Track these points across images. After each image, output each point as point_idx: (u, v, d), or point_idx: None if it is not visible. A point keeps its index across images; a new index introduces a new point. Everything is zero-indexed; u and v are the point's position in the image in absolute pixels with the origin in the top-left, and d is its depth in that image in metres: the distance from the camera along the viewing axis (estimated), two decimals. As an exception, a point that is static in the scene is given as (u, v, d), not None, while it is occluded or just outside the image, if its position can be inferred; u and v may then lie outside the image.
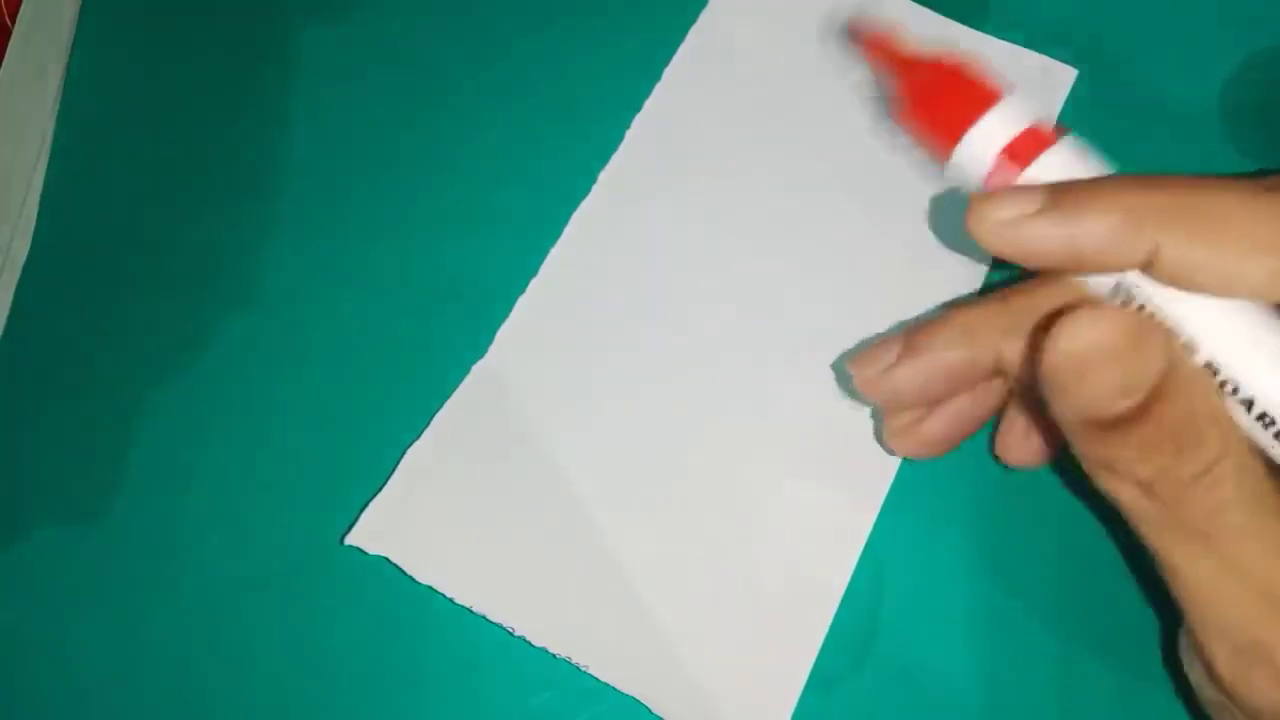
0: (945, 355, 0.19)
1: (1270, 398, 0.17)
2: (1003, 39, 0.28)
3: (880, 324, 0.25)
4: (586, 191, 0.27)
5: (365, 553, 0.24)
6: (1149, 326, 0.17)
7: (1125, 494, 0.17)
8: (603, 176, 0.27)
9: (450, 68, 0.29)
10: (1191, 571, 0.17)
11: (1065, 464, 0.21)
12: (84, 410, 0.26)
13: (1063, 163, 0.18)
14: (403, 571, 0.23)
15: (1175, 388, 0.16)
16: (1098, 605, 0.23)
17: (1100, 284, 0.18)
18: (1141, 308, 0.18)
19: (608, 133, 0.27)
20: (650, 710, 0.22)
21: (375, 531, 0.24)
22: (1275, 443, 0.17)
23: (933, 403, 0.21)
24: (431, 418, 0.25)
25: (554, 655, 0.23)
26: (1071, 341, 0.16)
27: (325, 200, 0.28)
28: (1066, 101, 0.27)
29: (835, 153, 0.27)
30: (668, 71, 0.28)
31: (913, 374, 0.19)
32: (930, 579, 0.24)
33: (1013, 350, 0.18)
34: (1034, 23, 0.28)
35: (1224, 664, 0.17)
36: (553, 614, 0.23)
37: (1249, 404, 0.17)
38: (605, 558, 0.23)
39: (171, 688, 0.24)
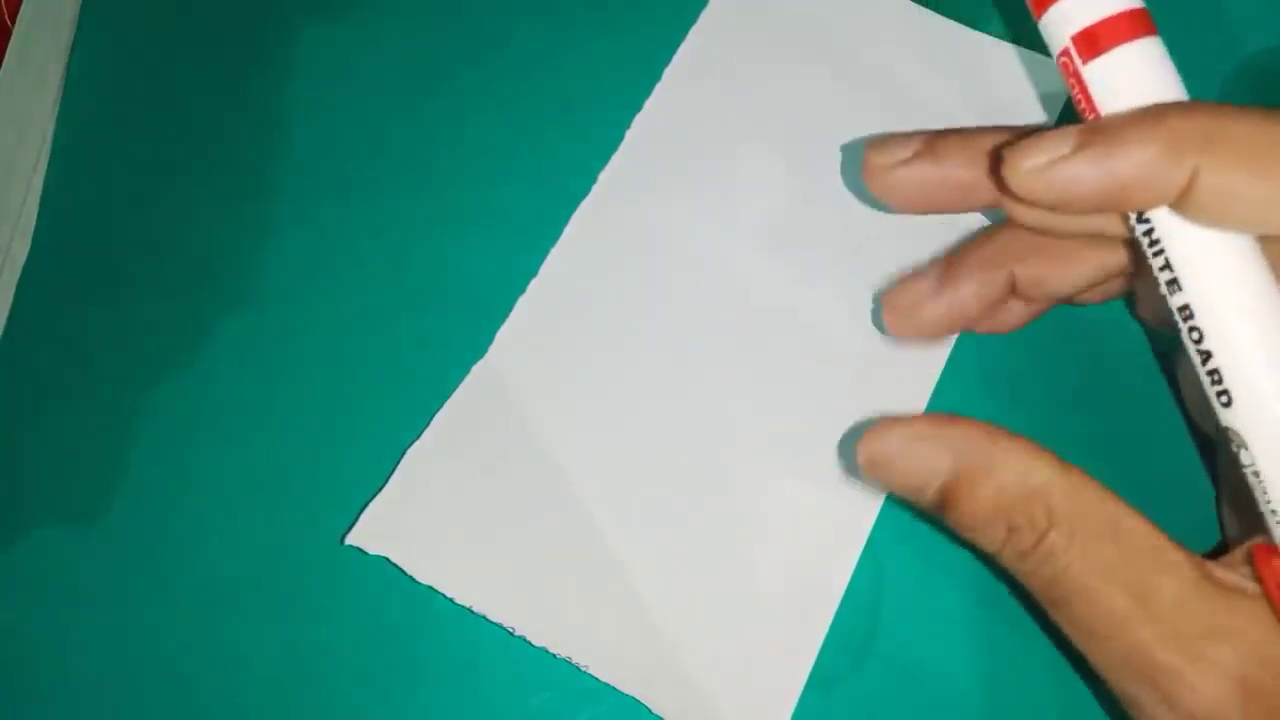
0: (967, 288, 0.20)
1: (1227, 361, 0.17)
2: (1003, 39, 0.28)
3: (879, 326, 0.25)
4: (586, 191, 0.27)
5: (365, 553, 0.24)
6: (930, 432, 0.19)
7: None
8: (603, 176, 0.27)
9: (450, 67, 0.29)
10: (1066, 623, 0.19)
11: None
12: (84, 410, 0.26)
13: (1130, 63, 0.18)
14: (403, 571, 0.23)
15: (974, 479, 0.18)
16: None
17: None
18: (1150, 235, 0.18)
19: (608, 133, 0.27)
20: (650, 710, 0.22)
21: (375, 531, 0.24)
22: (1218, 403, 0.18)
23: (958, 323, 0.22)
24: (431, 417, 0.25)
25: (554, 655, 0.23)
26: (867, 450, 0.19)
27: (325, 200, 0.28)
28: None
29: (836, 153, 0.27)
30: (668, 71, 0.28)
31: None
32: (930, 579, 0.24)
33: (1024, 271, 0.19)
34: (1034, 23, 0.28)
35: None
36: (553, 614, 0.23)
37: (1206, 357, 0.18)
38: (605, 557, 0.23)
39: (171, 688, 0.24)
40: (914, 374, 0.25)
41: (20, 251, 0.28)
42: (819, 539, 0.23)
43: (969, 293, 0.21)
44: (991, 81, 0.28)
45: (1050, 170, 0.17)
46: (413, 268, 0.27)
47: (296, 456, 0.25)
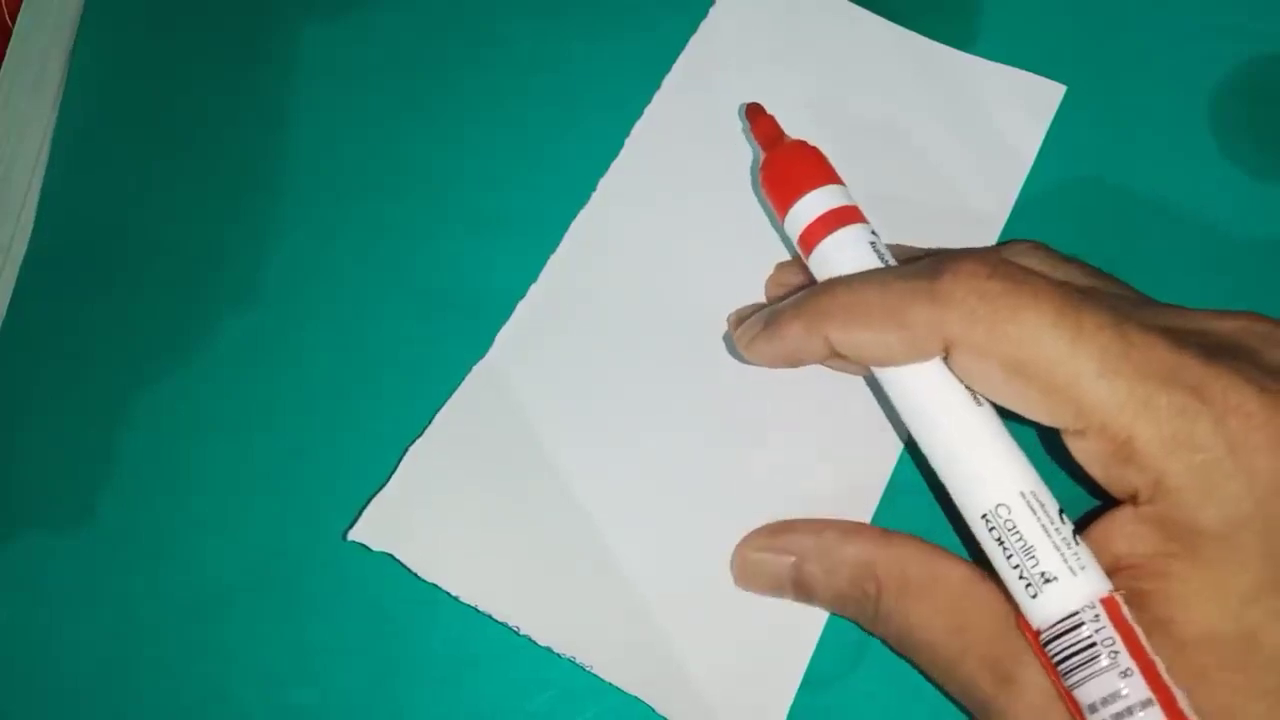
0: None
1: (937, 465, 0.21)
2: (991, 59, 0.28)
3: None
4: (587, 196, 0.27)
5: (367, 549, 0.24)
6: (771, 542, 0.23)
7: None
8: (603, 182, 0.27)
9: (451, 70, 0.29)
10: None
11: (1062, 463, 0.22)
12: (83, 408, 0.26)
13: (832, 248, 0.23)
14: (405, 569, 0.23)
15: (812, 574, 0.22)
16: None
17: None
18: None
19: (608, 139, 0.28)
20: (651, 709, 0.23)
21: (378, 528, 0.24)
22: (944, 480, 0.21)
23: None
24: (433, 416, 0.25)
25: (557, 654, 0.23)
26: (734, 567, 0.23)
27: (326, 200, 0.28)
28: (1056, 117, 0.28)
29: (834, 161, 0.27)
30: (668, 79, 0.28)
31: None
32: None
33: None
34: (1022, 41, 0.28)
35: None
36: (555, 613, 0.23)
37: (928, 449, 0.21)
38: (605, 557, 0.24)
39: (171, 686, 0.24)
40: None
41: (20, 250, 0.28)
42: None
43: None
44: (980, 101, 0.28)
45: (753, 344, 0.23)
46: (414, 268, 0.27)
47: (298, 454, 0.25)
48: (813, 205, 0.23)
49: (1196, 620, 0.18)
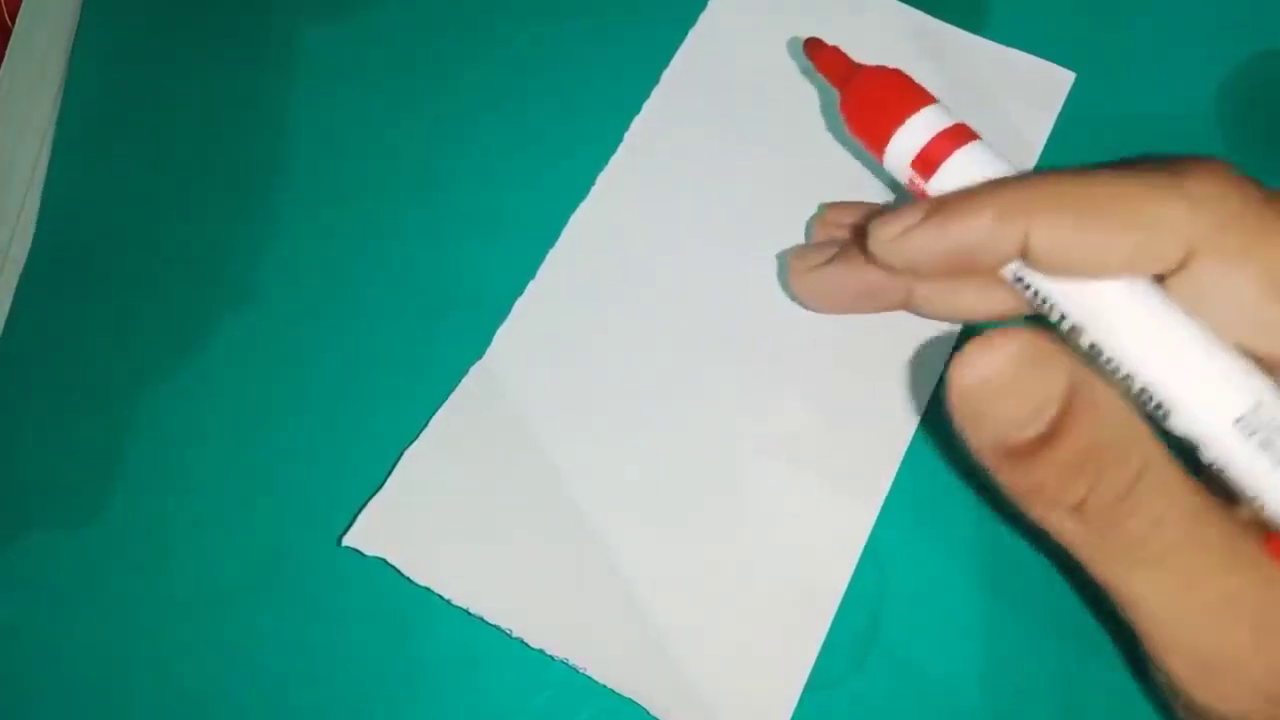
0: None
1: (1153, 377, 0.18)
2: (1001, 43, 0.28)
3: (878, 326, 0.25)
4: (584, 194, 0.27)
5: (363, 554, 0.24)
6: (1044, 348, 0.16)
7: (1059, 523, 0.17)
8: (600, 179, 0.27)
9: (449, 69, 0.29)
10: (1140, 595, 0.17)
11: None
12: (83, 410, 0.26)
13: (965, 165, 0.20)
14: (400, 573, 0.23)
15: (1082, 406, 0.16)
16: (1099, 605, 0.23)
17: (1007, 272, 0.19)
18: (1036, 294, 0.19)
19: (606, 136, 0.27)
20: (649, 712, 0.22)
21: (373, 532, 0.24)
22: (1158, 416, 0.18)
23: (940, 271, 0.20)
24: (429, 419, 0.25)
25: (553, 658, 0.23)
26: (967, 377, 0.16)
27: (324, 200, 0.28)
28: (1065, 104, 0.27)
29: (834, 156, 0.27)
30: (665, 75, 0.28)
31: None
32: (931, 579, 0.24)
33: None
34: (1032, 27, 0.28)
35: (1188, 681, 0.17)
36: (551, 615, 0.23)
37: (1129, 381, 0.18)
38: (603, 559, 0.23)
39: (170, 688, 0.24)
40: (915, 372, 0.25)
41: (20, 251, 0.28)
42: (819, 539, 0.23)
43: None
44: (989, 85, 0.28)
45: (903, 239, 0.19)
46: (411, 269, 0.27)
47: (295, 457, 0.25)
48: (926, 124, 0.20)
49: None
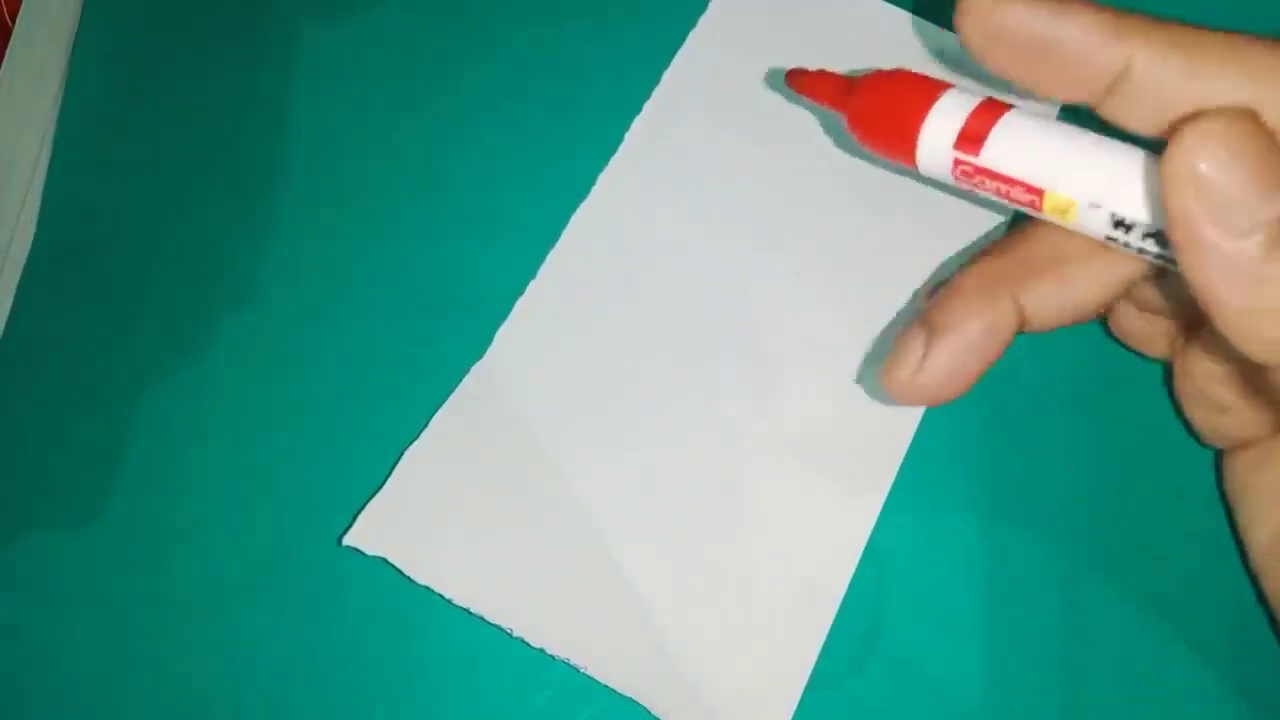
0: (971, 326, 0.18)
1: None
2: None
3: (878, 327, 0.25)
4: (585, 193, 0.27)
5: (363, 553, 0.24)
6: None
7: None
8: (601, 179, 0.27)
9: (450, 68, 0.29)
10: None
11: (1064, 464, 0.21)
12: (83, 410, 0.26)
13: (1014, 130, 0.19)
14: (401, 572, 0.23)
15: None
16: (1099, 606, 0.23)
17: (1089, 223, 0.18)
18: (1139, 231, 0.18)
19: (607, 135, 0.27)
20: (650, 712, 0.22)
21: (373, 532, 0.24)
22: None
23: (967, 383, 0.20)
24: (429, 419, 0.25)
25: (554, 658, 0.23)
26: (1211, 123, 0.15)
27: (324, 200, 0.28)
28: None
29: (835, 156, 0.27)
30: (666, 75, 0.28)
31: (947, 359, 0.18)
32: (933, 579, 0.24)
33: (1033, 298, 0.18)
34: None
35: None
36: (551, 615, 0.23)
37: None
38: (604, 558, 0.23)
39: (170, 688, 0.24)
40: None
41: (20, 251, 0.28)
42: (819, 539, 0.23)
43: (973, 335, 0.18)
44: (987, 87, 0.28)
45: (999, 11, 0.17)
46: (411, 268, 0.27)
47: (295, 457, 0.25)
48: (955, 106, 0.19)
49: None
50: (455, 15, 0.29)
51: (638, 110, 0.28)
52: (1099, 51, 0.17)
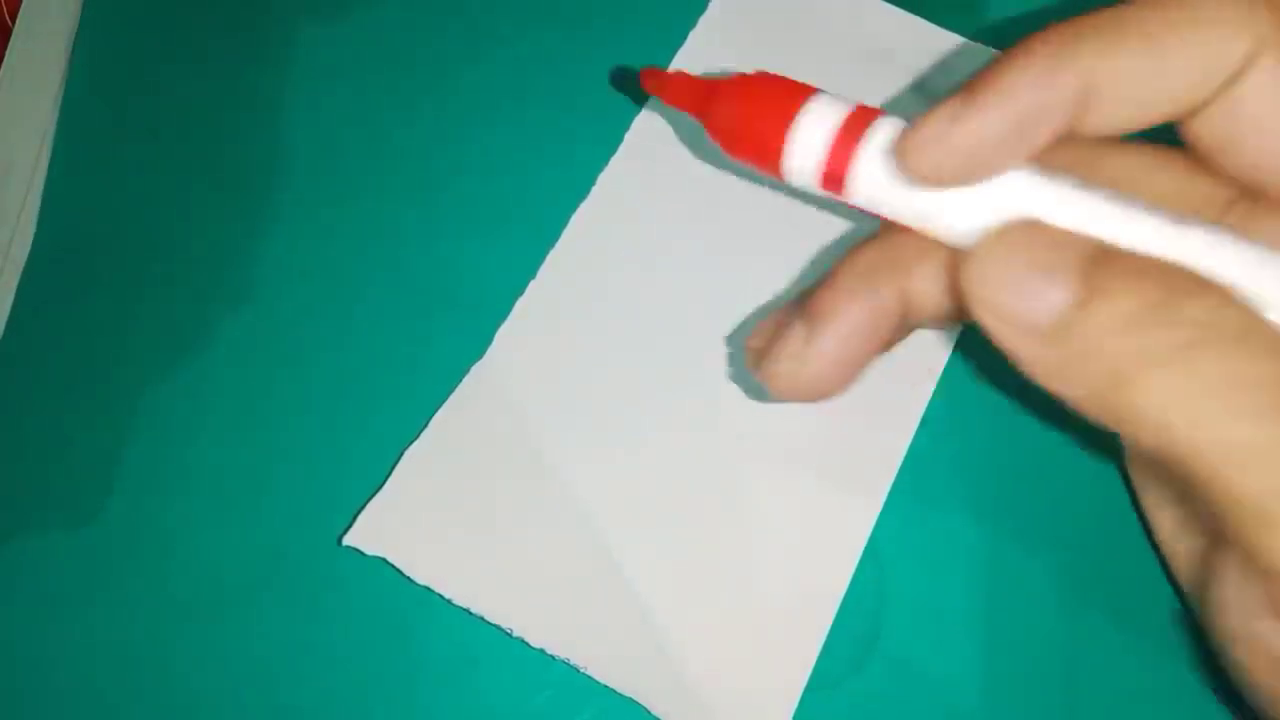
0: (854, 311, 0.17)
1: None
2: (996, 48, 0.28)
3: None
4: (585, 193, 0.27)
5: (363, 553, 0.24)
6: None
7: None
8: (601, 178, 0.27)
9: (450, 68, 0.29)
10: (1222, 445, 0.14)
11: (1064, 465, 0.21)
12: (83, 410, 0.26)
13: (874, 166, 0.17)
14: (401, 572, 0.23)
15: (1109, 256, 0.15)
16: (1101, 606, 0.23)
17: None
18: None
19: (606, 136, 0.27)
20: (650, 712, 0.22)
21: (373, 532, 0.24)
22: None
23: (853, 373, 0.19)
24: (429, 418, 0.25)
25: (553, 656, 0.23)
26: (990, 252, 0.15)
27: (325, 200, 0.28)
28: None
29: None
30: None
31: (831, 346, 0.17)
32: (932, 579, 0.24)
33: (915, 284, 0.16)
34: (1027, 31, 0.28)
35: None
36: (551, 615, 0.23)
37: None
38: (604, 559, 0.23)
39: (169, 688, 0.24)
40: (916, 371, 0.25)
41: (21, 251, 0.28)
42: (819, 539, 0.23)
43: (857, 321, 0.16)
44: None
45: (949, 136, 0.15)
46: (412, 268, 0.27)
47: (294, 457, 0.25)
48: (820, 121, 0.17)
49: None
50: (455, 15, 0.29)
51: (637, 111, 0.28)
52: (1056, 93, 0.15)
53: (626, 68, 0.28)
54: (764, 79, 0.18)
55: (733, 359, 0.25)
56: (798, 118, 0.17)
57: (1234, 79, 0.15)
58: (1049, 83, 0.15)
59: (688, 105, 0.19)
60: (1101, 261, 0.15)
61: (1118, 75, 0.15)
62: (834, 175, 0.17)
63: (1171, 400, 0.14)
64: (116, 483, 0.25)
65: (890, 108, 0.27)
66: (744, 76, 0.18)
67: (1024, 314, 0.15)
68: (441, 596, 0.23)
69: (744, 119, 0.18)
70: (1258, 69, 0.15)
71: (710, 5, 0.29)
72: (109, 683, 0.24)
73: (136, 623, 0.24)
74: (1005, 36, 0.28)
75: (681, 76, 0.20)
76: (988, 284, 0.15)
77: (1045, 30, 0.15)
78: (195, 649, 0.24)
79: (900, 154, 0.16)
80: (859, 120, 0.17)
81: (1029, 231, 0.15)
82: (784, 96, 0.17)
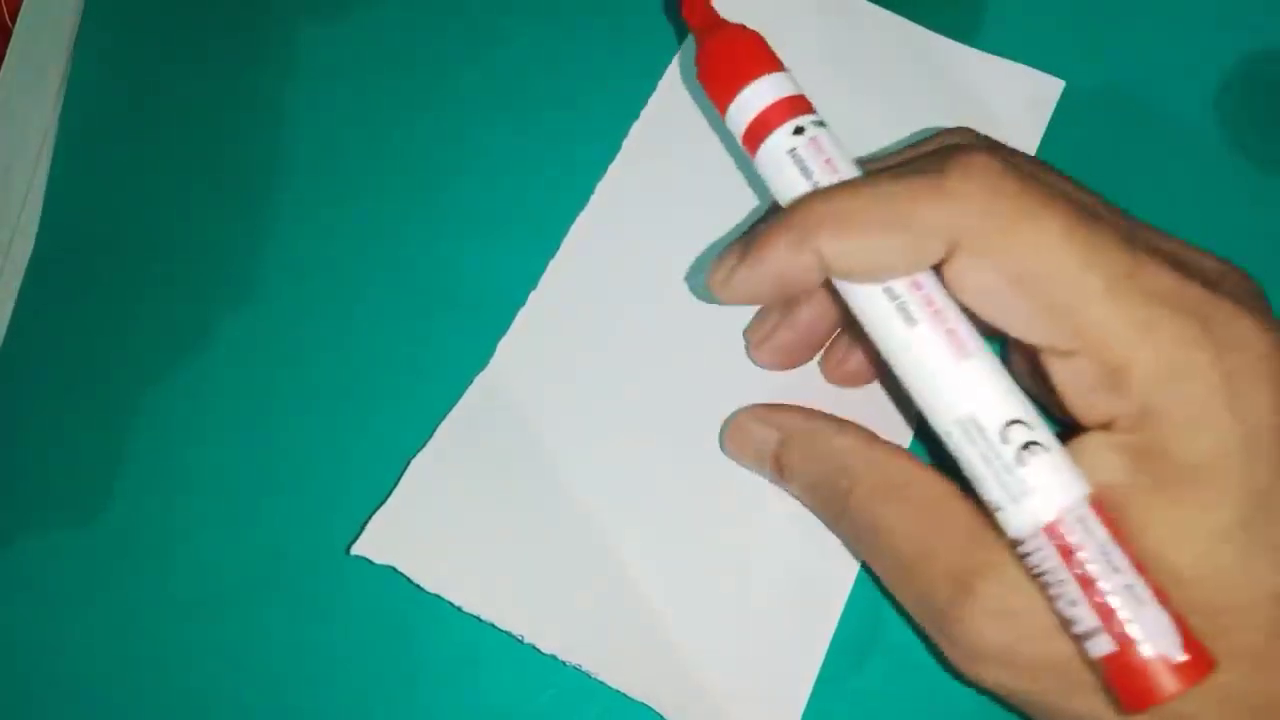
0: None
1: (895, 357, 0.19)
2: (991, 53, 0.28)
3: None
4: (585, 192, 0.27)
5: (370, 561, 0.24)
6: (766, 415, 0.23)
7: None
8: (600, 185, 0.27)
9: (450, 68, 0.29)
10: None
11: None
12: (86, 410, 0.26)
13: (786, 138, 0.21)
14: (408, 579, 0.23)
15: (793, 450, 0.22)
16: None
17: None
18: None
19: (607, 135, 0.27)
20: (659, 713, 0.23)
21: (382, 541, 0.24)
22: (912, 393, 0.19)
23: (779, 305, 0.23)
24: (434, 425, 0.25)
25: (564, 663, 0.23)
26: (726, 429, 0.24)
27: (325, 200, 0.28)
28: (1055, 112, 0.28)
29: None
30: (664, 78, 0.28)
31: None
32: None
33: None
34: (1021, 36, 0.28)
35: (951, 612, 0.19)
36: (561, 621, 0.23)
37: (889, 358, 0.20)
38: (611, 564, 0.24)
39: (170, 689, 0.24)
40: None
41: (22, 251, 0.28)
42: (823, 540, 0.24)
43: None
44: (978, 95, 0.28)
45: (732, 277, 0.20)
46: (412, 268, 0.27)
47: (296, 459, 0.25)
48: (759, 95, 0.21)
49: (1162, 554, 0.17)
50: (455, 15, 0.29)
51: (638, 111, 0.28)
52: (798, 266, 0.19)
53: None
54: (748, 40, 0.22)
55: (735, 362, 0.25)
56: (753, 82, 0.21)
57: (945, 259, 0.18)
58: (792, 258, 0.19)
59: (696, 27, 0.23)
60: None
61: (844, 255, 0.19)
62: (751, 137, 0.21)
63: None
64: (117, 483, 0.25)
65: (879, 105, 0.28)
66: (738, 29, 0.22)
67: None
68: (451, 604, 0.23)
69: (721, 59, 0.22)
70: (959, 255, 0.18)
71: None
72: (109, 683, 0.24)
73: (137, 623, 0.24)
74: (992, 40, 0.28)
75: (705, 4, 0.23)
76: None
77: (796, 210, 0.19)
78: (196, 650, 0.24)
79: (707, 280, 0.21)
80: (788, 106, 0.21)
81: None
82: (754, 60, 0.21)
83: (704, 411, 0.25)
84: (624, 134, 0.27)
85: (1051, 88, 0.28)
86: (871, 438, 0.21)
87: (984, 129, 0.27)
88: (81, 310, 0.27)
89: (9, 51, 0.30)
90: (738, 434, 0.23)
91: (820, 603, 0.23)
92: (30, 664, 0.24)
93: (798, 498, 0.23)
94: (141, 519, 0.25)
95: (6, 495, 0.26)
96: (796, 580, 0.24)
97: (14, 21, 0.30)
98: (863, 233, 0.19)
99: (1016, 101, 0.28)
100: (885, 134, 0.27)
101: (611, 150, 0.27)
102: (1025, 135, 0.27)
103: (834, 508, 0.21)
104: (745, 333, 0.24)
